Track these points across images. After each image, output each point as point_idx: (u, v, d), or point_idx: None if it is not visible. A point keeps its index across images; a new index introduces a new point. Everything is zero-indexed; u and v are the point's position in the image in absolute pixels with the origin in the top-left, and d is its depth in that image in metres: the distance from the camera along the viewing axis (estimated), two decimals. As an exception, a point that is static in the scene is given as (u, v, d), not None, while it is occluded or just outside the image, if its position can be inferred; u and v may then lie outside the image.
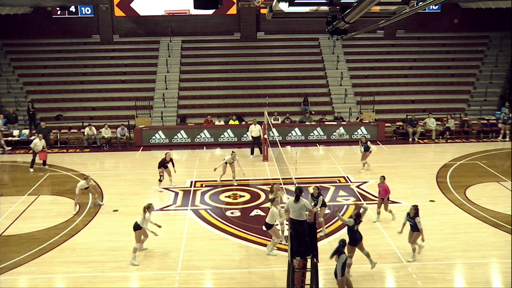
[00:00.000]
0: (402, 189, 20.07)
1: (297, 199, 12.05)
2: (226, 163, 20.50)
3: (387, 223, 16.83)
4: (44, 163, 23.57)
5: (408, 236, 14.37)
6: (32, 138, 26.77)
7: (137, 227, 14.78)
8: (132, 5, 34.24)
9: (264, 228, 14.87)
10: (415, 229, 14.13)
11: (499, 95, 32.19)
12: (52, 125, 29.04)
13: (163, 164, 20.31)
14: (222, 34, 35.86)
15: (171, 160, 20.45)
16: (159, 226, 15.19)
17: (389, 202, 16.97)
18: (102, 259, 14.76)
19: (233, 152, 20.90)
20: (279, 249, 15.07)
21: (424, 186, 20.65)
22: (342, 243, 12.25)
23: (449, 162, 23.47)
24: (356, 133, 27.92)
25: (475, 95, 32.35)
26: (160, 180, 20.06)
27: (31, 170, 23.07)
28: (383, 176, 16.83)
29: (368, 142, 22.08)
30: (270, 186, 17.12)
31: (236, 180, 20.71)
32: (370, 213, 16.95)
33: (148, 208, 14.92)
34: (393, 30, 35.27)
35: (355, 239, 13.52)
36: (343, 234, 16.07)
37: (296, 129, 28.16)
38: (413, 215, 14.12)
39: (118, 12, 34.43)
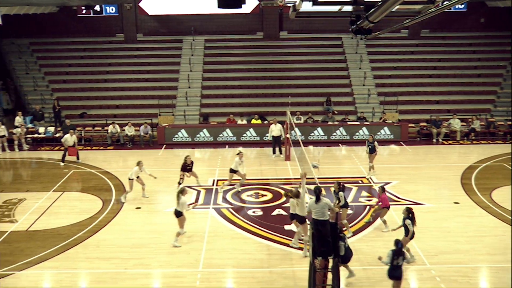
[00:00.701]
0: (425, 191, 19.91)
1: (317, 199, 12.04)
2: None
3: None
4: (78, 158, 24.10)
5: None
6: (58, 135, 27.22)
7: (178, 213, 15.38)
8: (140, 4, 34.88)
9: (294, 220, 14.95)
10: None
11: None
12: (77, 123, 29.31)
13: (184, 168, 20.32)
14: (245, 33, 35.92)
15: (191, 163, 20.44)
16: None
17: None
18: (124, 256, 14.87)
19: (240, 152, 20.45)
20: (300, 249, 15.07)
21: (448, 187, 20.44)
22: (400, 245, 11.76)
23: (474, 164, 23.21)
24: (379, 133, 27.76)
25: (502, 95, 31.93)
26: (179, 183, 20.03)
27: (62, 164, 23.46)
28: (382, 187, 16.39)
29: (376, 142, 21.60)
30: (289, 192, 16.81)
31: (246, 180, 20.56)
32: (394, 215, 16.89)
33: (182, 192, 15.52)
34: (417, 29, 35.03)
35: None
36: (367, 234, 16.07)
37: (319, 129, 28.10)
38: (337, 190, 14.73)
39: (142, 11, 34.79)
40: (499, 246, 15.32)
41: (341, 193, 15.83)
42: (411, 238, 13.99)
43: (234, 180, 20.03)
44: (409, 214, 13.97)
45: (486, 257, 14.73)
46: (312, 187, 19.12)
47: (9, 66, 33.86)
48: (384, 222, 16.26)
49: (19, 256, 14.86)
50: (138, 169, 19.09)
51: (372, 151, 21.51)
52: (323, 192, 12.60)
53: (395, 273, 11.82)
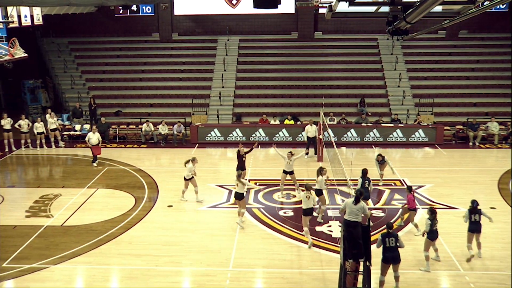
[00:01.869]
0: (460, 195, 19.58)
1: (356, 201, 11.93)
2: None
3: (444, 229, 16.44)
4: (95, 159, 23.78)
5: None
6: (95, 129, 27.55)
7: (239, 196, 16.59)
8: (175, 4, 35.49)
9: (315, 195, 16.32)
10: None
11: None
12: (112, 121, 29.71)
13: (240, 159, 20.21)
14: (280, 34, 35.86)
15: (245, 153, 20.40)
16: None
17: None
18: (156, 253, 14.98)
19: (289, 152, 19.72)
20: (330, 250, 14.98)
21: (484, 192, 20.04)
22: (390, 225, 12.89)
23: (511, 168, 22.78)
24: (413, 136, 27.42)
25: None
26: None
27: (94, 164, 23.63)
28: (410, 187, 16.27)
29: (385, 158, 21.18)
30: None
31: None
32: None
33: (239, 176, 16.74)
34: (455, 30, 34.53)
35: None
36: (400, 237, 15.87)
37: (352, 130, 27.86)
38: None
39: (178, 11, 35.12)
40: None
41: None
42: (432, 239, 13.99)
43: (287, 181, 19.84)
44: (432, 214, 14.00)
45: (523, 264, 14.45)
46: (345, 189, 19.13)
47: (48, 64, 34.48)
48: (416, 225, 16.07)
49: (54, 250, 15.14)
50: (192, 166, 19.03)
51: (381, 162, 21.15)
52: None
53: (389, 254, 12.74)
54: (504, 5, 33.20)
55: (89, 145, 23.63)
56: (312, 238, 15.66)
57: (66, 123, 29.15)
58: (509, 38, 34.28)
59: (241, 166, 19.97)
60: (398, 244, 12.87)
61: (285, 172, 19.57)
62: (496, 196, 19.64)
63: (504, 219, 17.34)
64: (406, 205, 16.28)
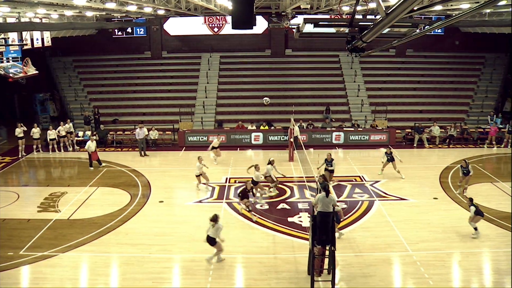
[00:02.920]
0: (409, 188, 19.84)
1: (327, 194, 11.97)
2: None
3: (396, 218, 16.62)
4: (99, 162, 23.55)
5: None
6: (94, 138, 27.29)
7: (255, 183, 17.87)
8: (165, 26, 35.35)
9: None
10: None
11: (493, 107, 31.67)
12: (110, 128, 29.46)
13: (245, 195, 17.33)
14: (255, 51, 35.86)
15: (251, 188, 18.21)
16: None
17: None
18: (149, 242, 14.93)
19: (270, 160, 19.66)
20: (301, 238, 15.05)
21: (428, 185, 20.33)
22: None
23: (451, 165, 23.04)
24: (371, 138, 27.67)
25: (473, 107, 31.78)
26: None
27: (91, 168, 23.23)
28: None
29: (393, 153, 21.34)
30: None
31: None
32: (382, 209, 16.82)
33: (256, 166, 18.40)
34: (403, 49, 34.92)
35: None
36: (358, 225, 16.00)
37: (318, 134, 27.97)
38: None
39: (167, 32, 35.04)
40: (469, 235, 15.27)
41: (333, 162, 19.52)
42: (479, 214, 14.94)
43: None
44: (472, 202, 15.10)
45: (458, 244, 14.78)
46: (313, 185, 19.22)
47: (55, 80, 34.09)
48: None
49: (62, 241, 15.07)
50: (199, 164, 19.37)
51: (391, 159, 21.21)
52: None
53: None
54: (440, 30, 33.92)
55: (89, 152, 23.38)
56: (285, 228, 15.72)
57: (72, 130, 28.75)
58: (445, 56, 34.86)
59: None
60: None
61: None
62: (438, 188, 19.93)
63: (444, 208, 17.70)
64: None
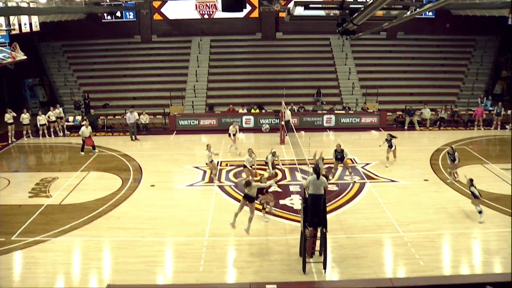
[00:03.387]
0: (401, 170, 19.95)
1: (318, 177, 12.00)
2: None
3: (387, 199, 16.73)
4: (94, 147, 23.41)
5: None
6: (84, 123, 27.12)
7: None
8: (162, 10, 34.70)
9: None
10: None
11: (484, 90, 31.81)
12: (100, 113, 29.30)
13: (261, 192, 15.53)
14: (246, 34, 35.64)
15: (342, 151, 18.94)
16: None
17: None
18: (141, 226, 14.94)
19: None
20: (292, 220, 15.13)
21: (419, 167, 20.44)
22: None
23: (441, 147, 23.14)
24: (362, 121, 27.73)
25: (464, 89, 31.90)
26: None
27: (82, 153, 23.06)
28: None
29: (393, 140, 20.75)
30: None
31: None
32: (373, 191, 16.90)
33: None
34: (394, 32, 34.82)
35: None
36: (349, 207, 16.10)
37: (309, 117, 28.00)
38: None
39: (156, 16, 34.70)
40: (459, 216, 15.54)
41: (345, 151, 18.98)
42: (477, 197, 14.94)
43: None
44: (472, 182, 15.13)
45: (449, 225, 14.91)
46: (305, 167, 19.27)
47: (44, 65, 33.76)
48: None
49: (54, 226, 15.03)
50: (208, 152, 18.75)
51: (390, 146, 20.67)
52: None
53: None
54: (431, 12, 33.76)
55: (82, 138, 23.22)
56: (276, 210, 15.80)
57: (62, 115, 28.54)
58: (436, 39, 34.84)
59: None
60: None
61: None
62: (429, 170, 20.05)
63: (434, 189, 17.84)
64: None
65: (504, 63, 33.46)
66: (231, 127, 23.20)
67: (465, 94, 31.41)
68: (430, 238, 14.00)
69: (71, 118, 28.17)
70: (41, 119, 26.01)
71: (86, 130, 23.20)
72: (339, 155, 18.91)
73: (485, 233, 14.34)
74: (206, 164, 19.14)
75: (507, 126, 26.82)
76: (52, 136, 26.41)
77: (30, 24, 23.55)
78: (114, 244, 13.90)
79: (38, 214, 15.97)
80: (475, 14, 30.67)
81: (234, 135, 23.04)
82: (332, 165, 19.14)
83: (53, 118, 26.49)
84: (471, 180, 15.37)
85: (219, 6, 31.84)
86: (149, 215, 15.79)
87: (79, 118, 28.06)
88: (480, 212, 15.00)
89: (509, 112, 27.09)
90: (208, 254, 13.18)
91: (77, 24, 33.32)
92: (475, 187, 15.15)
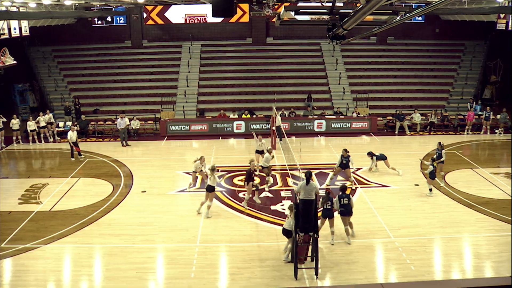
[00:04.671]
0: (391, 175, 19.98)
1: (308, 182, 12.00)
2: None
3: (378, 204, 16.76)
4: (80, 153, 23.19)
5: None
6: (71, 128, 26.97)
7: (210, 188, 15.71)
8: (166, 14, 34.41)
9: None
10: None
11: (473, 94, 32.07)
12: (90, 118, 29.17)
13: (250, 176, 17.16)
14: (236, 39, 35.69)
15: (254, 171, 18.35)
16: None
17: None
18: (132, 233, 14.86)
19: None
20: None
21: (410, 172, 20.51)
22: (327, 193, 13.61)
23: (431, 152, 23.19)
24: (353, 125, 27.79)
25: (453, 94, 32.12)
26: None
27: (72, 159, 22.95)
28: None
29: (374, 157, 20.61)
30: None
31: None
32: (364, 196, 16.88)
33: (213, 170, 15.85)
34: (384, 36, 35.06)
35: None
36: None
37: (300, 122, 28.03)
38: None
39: (150, 21, 34.51)
40: (450, 220, 15.63)
41: (351, 158, 18.74)
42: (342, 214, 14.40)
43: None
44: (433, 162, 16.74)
45: (439, 229, 14.99)
46: (296, 173, 19.25)
47: (34, 70, 33.55)
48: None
49: (44, 232, 14.91)
50: (199, 163, 18.13)
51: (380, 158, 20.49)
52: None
53: (328, 213, 13.91)
54: (421, 17, 34.13)
55: (70, 143, 23.09)
56: (268, 216, 15.78)
57: (52, 121, 28.36)
58: (426, 44, 35.07)
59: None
60: (350, 202, 14.02)
61: (257, 152, 20.33)
62: (419, 175, 20.09)
63: (425, 194, 17.81)
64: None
65: (493, 68, 33.71)
66: (197, 162, 18.39)
67: (455, 99, 31.62)
68: (421, 242, 14.05)
69: (61, 124, 28.01)
70: (31, 125, 25.80)
71: (73, 134, 23.03)
72: (345, 161, 18.63)
73: (476, 237, 14.41)
74: (194, 172, 18.35)
75: (496, 131, 27.01)
76: (42, 141, 26.22)
77: (20, 29, 23.44)
78: (105, 251, 13.80)
79: (28, 220, 15.82)
80: (464, 19, 30.97)
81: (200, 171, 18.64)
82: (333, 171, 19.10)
83: (43, 124, 26.28)
84: (433, 159, 17.73)
85: (209, 11, 31.88)
86: (140, 221, 15.71)
87: (69, 123, 27.87)
88: (430, 190, 17.43)
89: (498, 116, 27.28)
90: (199, 260, 13.12)
91: (67, 29, 33.26)
92: (434, 167, 17.32)
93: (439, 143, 19.25)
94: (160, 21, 34.59)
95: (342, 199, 13.99)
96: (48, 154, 24.75)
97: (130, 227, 15.32)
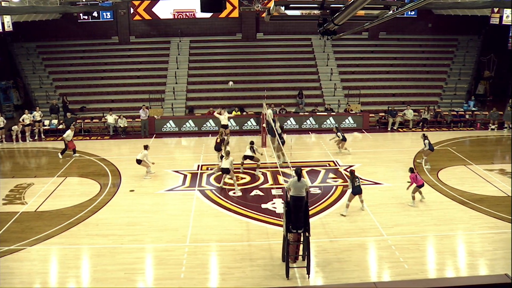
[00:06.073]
0: (384, 172, 20.09)
1: (299, 179, 12.03)
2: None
3: (371, 202, 16.81)
4: (74, 151, 23.19)
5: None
6: (61, 127, 26.86)
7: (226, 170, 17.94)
8: (153, 9, 34.33)
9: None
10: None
11: (466, 90, 32.29)
12: (77, 116, 29.00)
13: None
14: (226, 35, 35.62)
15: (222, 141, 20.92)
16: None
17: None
18: (120, 233, 14.80)
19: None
20: (275, 224, 15.12)
21: (403, 169, 20.53)
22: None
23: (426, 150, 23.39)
24: (344, 122, 27.86)
25: (447, 89, 32.29)
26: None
27: (61, 157, 22.79)
28: (411, 168, 17.18)
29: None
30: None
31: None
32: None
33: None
34: (376, 32, 35.14)
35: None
36: (333, 210, 16.15)
37: (291, 119, 28.06)
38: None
39: (137, 17, 34.44)
40: (443, 218, 15.73)
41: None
42: (354, 193, 15.89)
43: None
44: (351, 175, 16.07)
45: (433, 227, 15.06)
46: (287, 170, 19.27)
47: (18, 66, 33.28)
48: (413, 198, 16.71)
49: (29, 234, 14.79)
50: (147, 152, 19.70)
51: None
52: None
53: (358, 190, 15.79)
54: (413, 12, 34.29)
55: (65, 141, 22.89)
56: (259, 215, 15.81)
57: (38, 118, 28.19)
58: (418, 39, 35.23)
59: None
60: (360, 182, 16.03)
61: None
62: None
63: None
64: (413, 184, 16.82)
65: (486, 63, 33.92)
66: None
67: (448, 94, 31.80)
68: (414, 240, 14.12)
69: (46, 122, 27.82)
70: (26, 118, 25.78)
71: (71, 133, 22.98)
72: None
73: (470, 235, 14.51)
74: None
75: (490, 127, 27.21)
76: (27, 140, 26.04)
77: (2, 24, 23.27)
78: (92, 252, 13.74)
79: (12, 221, 15.70)
80: (457, 14, 31.14)
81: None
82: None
83: (27, 122, 26.11)
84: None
85: (198, 6, 31.90)
86: (129, 221, 15.66)
87: (55, 122, 27.76)
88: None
89: (491, 112, 27.50)
90: (189, 260, 13.10)
91: (52, 24, 33.02)
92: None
93: (423, 135, 20.65)
94: (147, 17, 34.56)
95: (355, 180, 15.90)
96: (33, 153, 24.60)
97: (118, 227, 15.27)
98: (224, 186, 18.41)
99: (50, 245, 14.13)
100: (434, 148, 21.23)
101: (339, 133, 22.43)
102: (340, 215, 15.78)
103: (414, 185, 16.51)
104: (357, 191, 15.88)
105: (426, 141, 20.25)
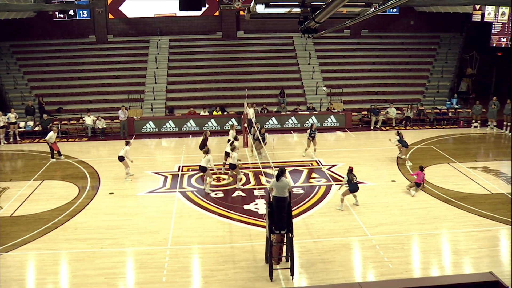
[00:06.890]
0: (367, 171, 20.18)
1: (278, 178, 12.03)
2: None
3: (354, 201, 16.90)
4: (59, 153, 22.89)
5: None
6: (36, 129, 26.57)
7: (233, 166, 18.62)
8: (120, 8, 34.12)
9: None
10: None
11: (449, 87, 32.64)
12: (54, 117, 28.68)
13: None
14: (206, 33, 35.56)
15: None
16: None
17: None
18: (100, 237, 14.67)
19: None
20: (257, 225, 15.12)
21: (386, 168, 20.77)
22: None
23: (408, 147, 23.59)
24: (326, 121, 27.97)
25: (429, 87, 32.62)
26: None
27: (53, 160, 22.57)
28: (420, 166, 18.15)
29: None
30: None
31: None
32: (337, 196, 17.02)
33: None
34: (358, 29, 35.40)
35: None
36: (316, 211, 16.21)
37: (273, 118, 28.10)
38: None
39: (111, 15, 34.28)
40: (427, 216, 15.86)
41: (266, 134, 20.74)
42: (351, 190, 16.42)
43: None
44: (349, 172, 16.47)
45: (417, 226, 15.18)
46: (269, 170, 19.28)
47: (-10, 67, 32.88)
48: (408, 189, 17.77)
49: (5, 239, 14.55)
50: (129, 148, 19.89)
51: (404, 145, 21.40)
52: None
53: (355, 187, 16.31)
54: (395, 9, 34.62)
55: (49, 143, 22.58)
56: (241, 216, 15.81)
57: (13, 120, 27.81)
58: (401, 37, 35.54)
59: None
60: (357, 180, 16.41)
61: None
62: (396, 171, 20.37)
63: (402, 190, 18.06)
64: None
65: (468, 61, 34.34)
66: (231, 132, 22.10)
67: (431, 92, 32.13)
68: (398, 240, 14.23)
69: (22, 124, 27.47)
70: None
71: (54, 135, 22.70)
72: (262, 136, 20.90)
73: (454, 233, 14.67)
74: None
75: (473, 124, 27.57)
76: (2, 143, 25.69)
77: (-26, 23, 22.90)
78: (71, 257, 13.59)
79: (-13, 227, 15.50)
80: (439, 11, 31.51)
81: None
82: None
83: (2, 124, 25.75)
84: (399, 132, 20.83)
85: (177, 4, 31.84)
86: (108, 224, 15.53)
87: (31, 123, 27.43)
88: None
89: (473, 108, 27.87)
90: (171, 264, 13.04)
91: (26, 23, 32.65)
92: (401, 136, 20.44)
93: (397, 131, 21.49)
94: (115, 15, 34.36)
95: (353, 178, 16.35)
96: (8, 156, 24.24)
97: (98, 230, 15.13)
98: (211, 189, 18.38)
99: (27, 251, 13.94)
100: (409, 145, 21.93)
101: (398, 137, 21.27)
102: (337, 209, 16.33)
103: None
104: (353, 188, 16.29)
105: (397, 137, 20.99)
